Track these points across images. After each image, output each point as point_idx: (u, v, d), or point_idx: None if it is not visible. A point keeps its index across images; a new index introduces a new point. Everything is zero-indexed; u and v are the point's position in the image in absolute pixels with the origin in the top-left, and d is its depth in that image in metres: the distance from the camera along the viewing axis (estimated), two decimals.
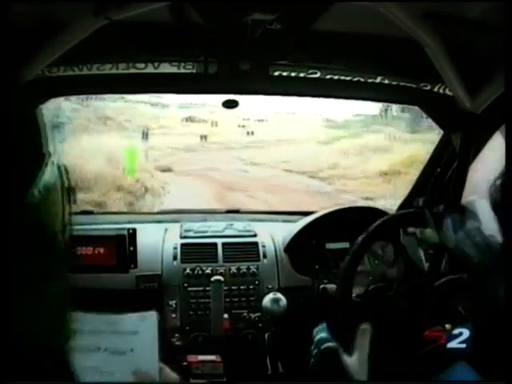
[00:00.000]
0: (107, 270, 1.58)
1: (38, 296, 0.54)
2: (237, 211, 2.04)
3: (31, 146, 0.55)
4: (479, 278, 1.10)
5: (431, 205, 1.42)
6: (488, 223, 1.31)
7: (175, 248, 1.68)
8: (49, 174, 0.56)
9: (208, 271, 1.63)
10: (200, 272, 1.63)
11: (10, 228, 0.49)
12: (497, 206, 1.07)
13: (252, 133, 8.16)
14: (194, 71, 1.38)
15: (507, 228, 0.85)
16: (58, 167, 0.59)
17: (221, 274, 1.59)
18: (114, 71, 1.36)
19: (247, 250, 1.71)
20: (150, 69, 1.37)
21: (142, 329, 0.76)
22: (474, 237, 1.13)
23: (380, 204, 3.51)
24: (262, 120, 8.19)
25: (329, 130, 8.50)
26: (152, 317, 0.78)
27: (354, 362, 1.10)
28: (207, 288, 1.58)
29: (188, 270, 1.63)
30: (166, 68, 1.37)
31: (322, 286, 1.56)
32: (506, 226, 0.85)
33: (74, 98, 4.11)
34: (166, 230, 1.77)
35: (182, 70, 1.38)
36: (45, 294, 0.56)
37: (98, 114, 7.08)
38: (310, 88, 1.50)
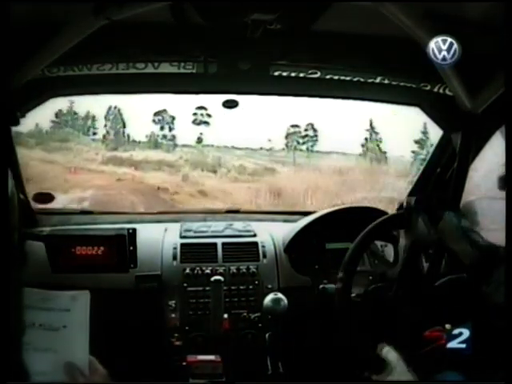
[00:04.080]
0: (107, 269, 1.58)
1: None
2: (237, 211, 2.04)
3: None
4: (478, 277, 1.10)
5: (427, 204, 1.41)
6: (488, 223, 1.31)
7: (175, 248, 1.67)
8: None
9: (208, 271, 1.63)
10: (200, 272, 1.63)
11: None
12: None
13: None
14: (194, 71, 1.38)
15: (507, 227, 0.85)
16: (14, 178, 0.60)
17: (220, 274, 1.59)
18: (114, 71, 1.36)
19: (247, 249, 1.71)
20: (150, 69, 1.37)
21: (73, 307, 0.78)
22: (471, 235, 1.13)
23: None
24: None
25: None
26: (84, 296, 0.79)
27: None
28: (207, 288, 1.58)
29: (188, 270, 1.63)
30: (166, 68, 1.37)
31: (321, 286, 1.56)
32: (506, 225, 0.85)
33: None
34: (165, 229, 1.77)
35: (182, 70, 1.38)
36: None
37: None
38: (310, 88, 1.50)
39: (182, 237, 1.73)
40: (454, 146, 1.52)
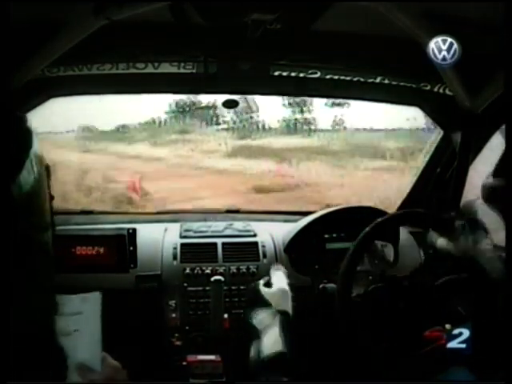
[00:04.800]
0: (107, 269, 1.58)
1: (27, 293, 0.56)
2: (237, 211, 2.04)
3: (13, 146, 0.56)
4: (480, 279, 1.10)
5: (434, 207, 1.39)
6: (487, 223, 1.30)
7: (175, 248, 1.67)
8: (31, 176, 0.57)
9: (208, 271, 1.63)
10: (200, 272, 1.63)
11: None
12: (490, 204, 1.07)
13: None
14: (194, 71, 1.39)
15: (507, 226, 0.85)
16: (41, 169, 0.60)
17: (221, 274, 1.58)
18: (114, 71, 1.36)
19: (247, 249, 1.70)
20: (150, 69, 1.37)
21: (85, 309, 0.77)
22: (481, 245, 1.11)
23: None
24: None
25: None
26: (95, 297, 0.79)
27: None
28: (207, 288, 1.58)
29: (188, 270, 1.63)
30: (166, 68, 1.38)
31: (321, 286, 1.56)
32: (506, 225, 0.85)
33: None
34: (165, 229, 1.77)
35: (182, 70, 1.38)
36: (33, 291, 0.57)
37: None
38: (310, 88, 1.50)
39: (182, 237, 1.73)
40: (454, 145, 1.53)
